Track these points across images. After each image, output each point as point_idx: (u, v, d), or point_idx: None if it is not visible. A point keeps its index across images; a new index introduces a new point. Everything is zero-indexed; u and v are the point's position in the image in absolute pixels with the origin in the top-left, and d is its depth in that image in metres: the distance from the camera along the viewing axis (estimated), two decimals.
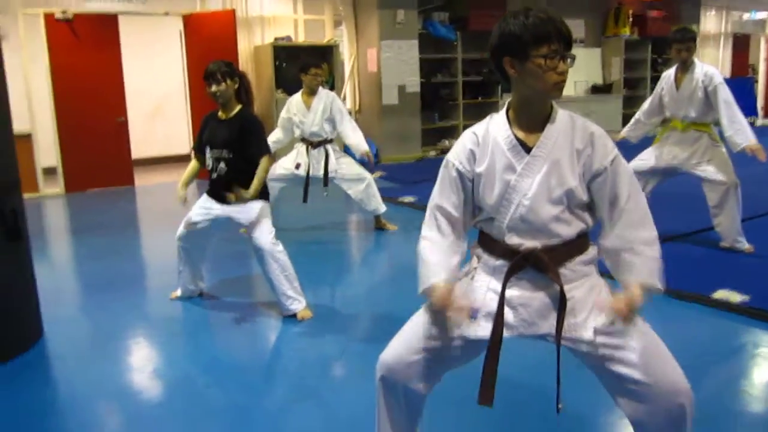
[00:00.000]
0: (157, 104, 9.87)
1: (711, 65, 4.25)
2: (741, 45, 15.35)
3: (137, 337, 3.37)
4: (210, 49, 7.57)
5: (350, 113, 6.08)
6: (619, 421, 2.21)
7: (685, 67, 4.15)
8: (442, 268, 1.67)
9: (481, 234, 1.75)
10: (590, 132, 1.62)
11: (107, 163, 7.87)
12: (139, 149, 8.75)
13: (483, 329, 1.64)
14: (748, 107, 12.18)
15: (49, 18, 7.31)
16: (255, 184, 3.27)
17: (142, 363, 3.04)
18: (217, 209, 3.41)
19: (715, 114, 4.06)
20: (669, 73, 4.28)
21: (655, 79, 6.60)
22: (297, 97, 5.09)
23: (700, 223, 4.64)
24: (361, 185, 5.08)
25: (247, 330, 3.39)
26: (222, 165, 3.35)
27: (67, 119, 7.52)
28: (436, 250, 1.69)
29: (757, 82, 15.39)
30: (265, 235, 3.33)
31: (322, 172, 4.98)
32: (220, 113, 3.43)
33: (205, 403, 2.59)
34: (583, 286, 1.63)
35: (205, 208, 3.45)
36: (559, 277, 1.60)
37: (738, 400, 2.49)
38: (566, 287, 1.59)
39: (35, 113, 7.40)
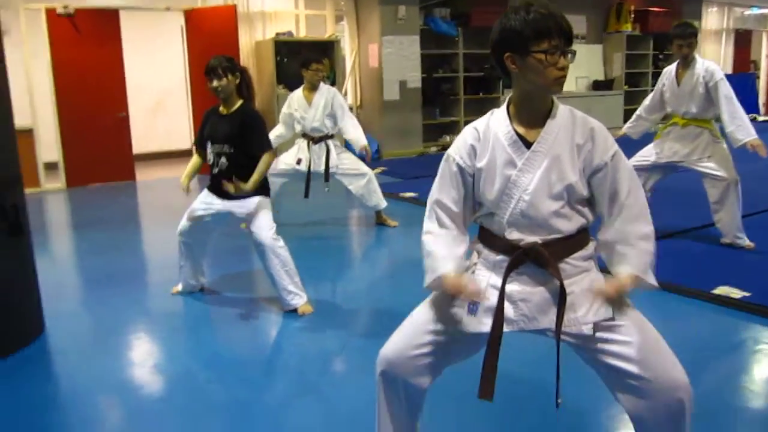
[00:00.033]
0: (159, 99, 9.88)
1: (712, 61, 4.25)
2: (743, 41, 15.32)
3: (138, 332, 3.37)
4: (211, 45, 7.56)
5: (351, 109, 6.09)
6: (618, 416, 2.22)
7: (686, 63, 4.14)
8: (449, 259, 1.67)
9: (482, 229, 1.75)
10: (590, 127, 1.63)
11: (108, 158, 7.88)
12: (140, 144, 8.77)
13: (483, 324, 1.64)
14: (749, 104, 12.17)
15: (50, 13, 7.32)
16: (254, 177, 3.28)
17: (143, 358, 3.05)
18: (218, 204, 3.41)
19: (716, 110, 4.06)
20: (670, 69, 4.28)
21: (657, 75, 6.60)
22: (298, 93, 5.08)
23: (700, 219, 4.64)
24: (362, 181, 5.08)
25: (248, 325, 3.40)
26: (223, 160, 3.35)
27: (68, 114, 7.53)
28: (441, 242, 1.70)
29: (758, 78, 15.36)
30: (266, 230, 3.33)
31: (323, 167, 4.97)
32: (221, 108, 3.43)
33: (206, 397, 2.60)
34: (583, 282, 1.64)
35: (206, 203, 3.46)
36: (559, 272, 1.60)
37: (738, 395, 2.49)
38: (566, 282, 1.60)
39: (36, 108, 7.41)
